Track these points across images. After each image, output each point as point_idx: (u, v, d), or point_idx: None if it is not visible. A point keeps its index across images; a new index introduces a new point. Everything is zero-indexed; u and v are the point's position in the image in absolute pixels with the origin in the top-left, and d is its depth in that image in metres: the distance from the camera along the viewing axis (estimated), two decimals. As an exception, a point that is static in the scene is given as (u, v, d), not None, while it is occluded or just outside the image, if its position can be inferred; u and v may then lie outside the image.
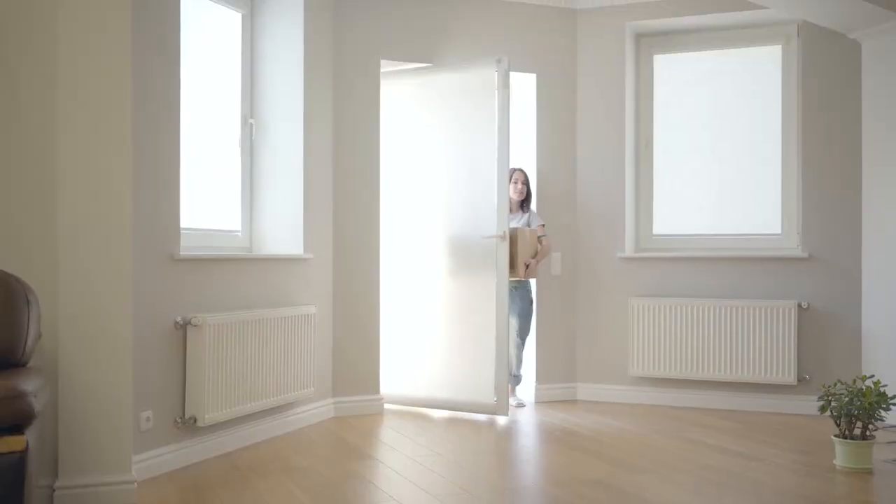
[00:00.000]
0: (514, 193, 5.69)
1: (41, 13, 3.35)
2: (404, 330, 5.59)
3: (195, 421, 4.11)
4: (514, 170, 5.70)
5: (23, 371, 2.66)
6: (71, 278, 3.36)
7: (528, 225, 5.69)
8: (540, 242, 5.68)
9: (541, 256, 5.70)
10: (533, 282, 5.86)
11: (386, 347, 5.57)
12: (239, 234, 4.99)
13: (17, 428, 2.35)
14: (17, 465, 2.29)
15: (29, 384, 2.42)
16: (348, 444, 4.62)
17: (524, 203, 5.79)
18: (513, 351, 5.65)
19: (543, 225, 5.77)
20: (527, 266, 5.53)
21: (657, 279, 5.83)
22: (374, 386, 5.45)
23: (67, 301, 3.35)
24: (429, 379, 5.47)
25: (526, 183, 5.76)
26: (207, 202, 4.72)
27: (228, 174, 4.94)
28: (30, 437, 2.36)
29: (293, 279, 4.95)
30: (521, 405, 5.67)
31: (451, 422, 5.21)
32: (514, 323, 5.68)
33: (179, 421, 4.08)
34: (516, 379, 5.76)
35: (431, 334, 5.48)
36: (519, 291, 5.69)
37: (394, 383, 5.58)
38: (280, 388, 4.70)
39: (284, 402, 4.77)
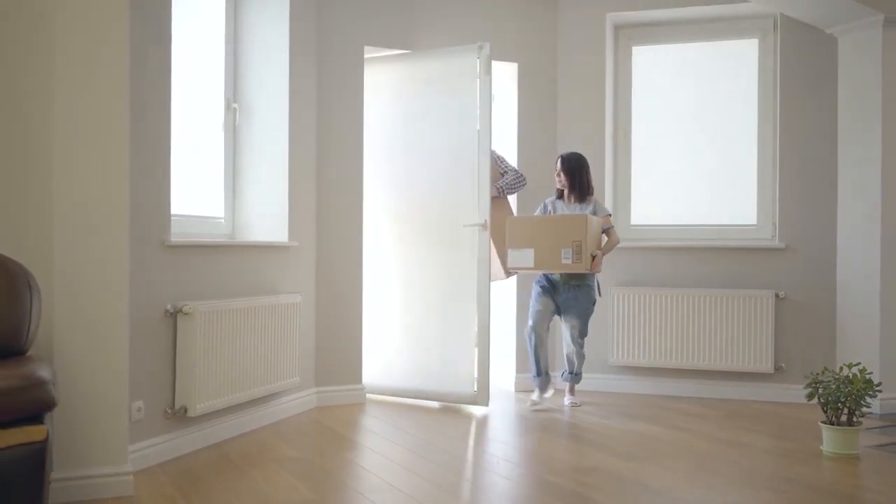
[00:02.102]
0: (559, 184, 5.41)
1: (39, 6, 3.24)
2: (386, 320, 5.56)
3: (186, 411, 4.03)
4: (557, 158, 5.44)
5: (30, 359, 2.58)
6: (67, 266, 3.26)
7: (594, 214, 5.28)
8: (607, 234, 5.30)
9: (608, 249, 5.28)
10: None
11: (368, 337, 5.53)
12: (222, 220, 4.91)
13: (36, 417, 2.27)
14: (38, 455, 2.22)
15: (45, 372, 2.35)
16: (336, 433, 4.58)
17: (582, 193, 5.34)
18: (574, 358, 5.36)
19: (610, 215, 5.40)
20: (593, 257, 5.05)
21: (636, 269, 5.88)
22: (356, 376, 5.42)
23: (63, 289, 3.25)
24: (410, 369, 5.45)
25: (569, 172, 5.31)
26: (190, 188, 4.63)
27: (211, 159, 4.85)
28: (49, 426, 2.28)
29: (279, 267, 4.88)
30: (574, 404, 5.33)
31: (434, 412, 5.20)
32: (568, 325, 5.29)
33: (170, 411, 4.00)
34: (576, 377, 5.42)
35: (413, 324, 5.46)
36: (581, 289, 5.27)
37: (376, 373, 5.55)
38: (267, 378, 4.64)
39: (271, 392, 4.71)
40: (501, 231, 5.35)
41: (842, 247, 5.46)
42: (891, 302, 5.20)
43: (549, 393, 5.33)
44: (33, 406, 2.24)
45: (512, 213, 5.73)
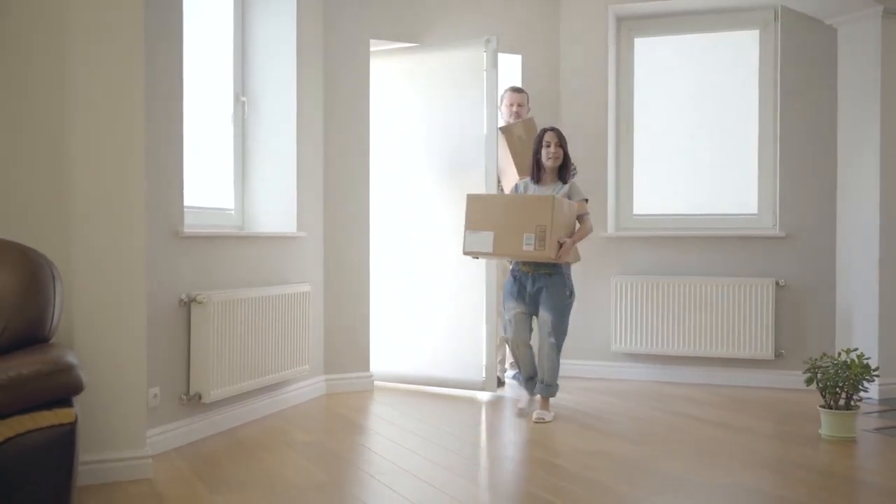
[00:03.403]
0: (547, 159, 4.72)
1: (54, 1, 3.33)
2: (394, 308, 5.65)
3: (200, 397, 4.14)
4: (546, 130, 4.77)
5: (55, 346, 2.67)
6: (85, 258, 3.36)
7: (569, 198, 4.68)
8: (580, 221, 4.71)
9: (579, 237, 4.66)
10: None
11: (376, 325, 5.63)
12: (232, 212, 5.00)
13: (64, 401, 2.37)
14: (68, 436, 2.33)
15: (72, 357, 2.45)
16: (346, 418, 4.69)
17: (562, 170, 4.77)
18: (544, 363, 4.66)
19: (587, 200, 4.81)
20: (560, 245, 4.45)
21: (638, 258, 5.97)
22: (364, 363, 5.52)
23: (82, 280, 3.35)
24: (418, 356, 5.55)
25: (562, 145, 4.72)
26: (200, 180, 4.72)
27: (221, 152, 4.94)
28: (77, 409, 2.39)
29: (288, 257, 4.98)
30: (542, 420, 4.58)
31: (442, 398, 5.30)
32: (539, 321, 4.68)
33: (185, 398, 4.10)
34: (548, 389, 4.70)
35: (420, 312, 5.55)
36: (552, 278, 4.64)
37: (383, 360, 5.65)
38: (278, 366, 4.74)
39: (282, 379, 4.81)
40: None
41: (841, 235, 5.55)
42: (889, 289, 5.30)
43: (538, 396, 4.77)
44: (62, 390, 2.35)
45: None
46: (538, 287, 4.66)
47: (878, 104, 5.30)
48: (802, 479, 3.52)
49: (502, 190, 5.43)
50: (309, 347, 5.07)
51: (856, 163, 5.45)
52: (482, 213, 4.61)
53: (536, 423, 4.56)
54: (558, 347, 4.67)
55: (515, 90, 5.65)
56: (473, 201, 4.72)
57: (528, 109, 5.63)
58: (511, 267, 4.88)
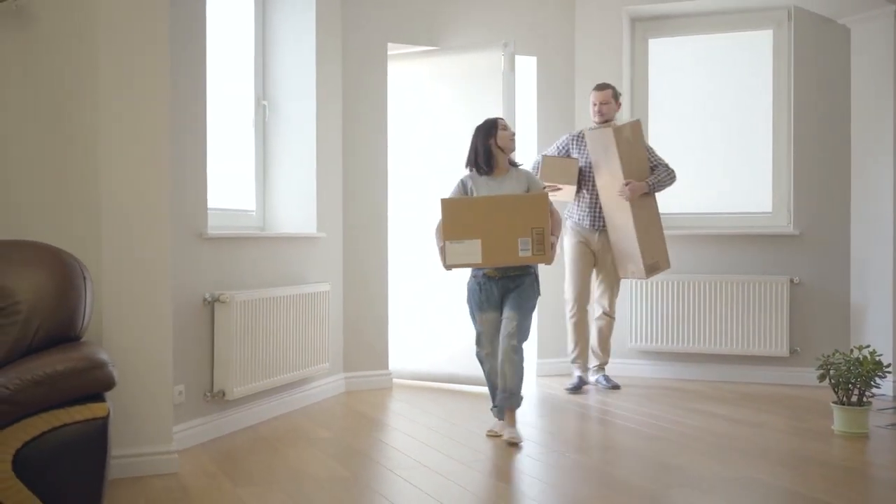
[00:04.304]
0: (503, 141, 4.28)
1: (83, 9, 3.43)
2: (411, 307, 5.74)
3: (224, 395, 4.25)
4: (499, 118, 4.37)
5: (87, 344, 2.78)
6: (113, 259, 3.47)
7: (528, 190, 4.24)
8: (550, 213, 4.12)
9: (558, 232, 4.18)
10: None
11: (394, 324, 5.72)
12: (253, 213, 5.11)
13: (97, 396, 2.48)
14: (101, 429, 2.44)
15: (104, 354, 2.55)
16: (366, 416, 4.78)
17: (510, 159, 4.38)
18: (506, 368, 4.12)
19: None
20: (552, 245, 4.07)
21: (654, 256, 6.03)
22: (383, 361, 5.62)
23: (110, 280, 3.46)
24: (435, 354, 5.64)
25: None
26: (223, 182, 4.83)
27: (242, 155, 5.06)
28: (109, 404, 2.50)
29: (308, 257, 5.09)
30: (513, 441, 4.06)
31: (459, 395, 5.38)
32: (503, 318, 4.18)
33: (209, 395, 4.21)
34: (511, 399, 4.15)
35: (437, 311, 5.64)
36: (524, 279, 4.19)
37: (401, 358, 5.75)
38: (299, 364, 4.85)
39: (303, 377, 4.92)
40: (647, 234, 5.27)
41: (855, 233, 5.59)
42: (903, 286, 5.34)
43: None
44: (95, 385, 2.46)
45: (657, 212, 5.45)
46: (507, 289, 4.21)
47: (891, 102, 5.33)
48: (813, 472, 3.58)
49: (592, 186, 5.45)
50: (328, 346, 5.17)
51: (870, 161, 5.49)
52: (463, 219, 4.06)
53: (511, 444, 4.05)
54: (522, 350, 4.17)
55: (599, 87, 5.52)
56: (450, 207, 4.11)
57: (618, 106, 5.55)
58: (473, 273, 4.31)
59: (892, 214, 5.32)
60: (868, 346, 4.34)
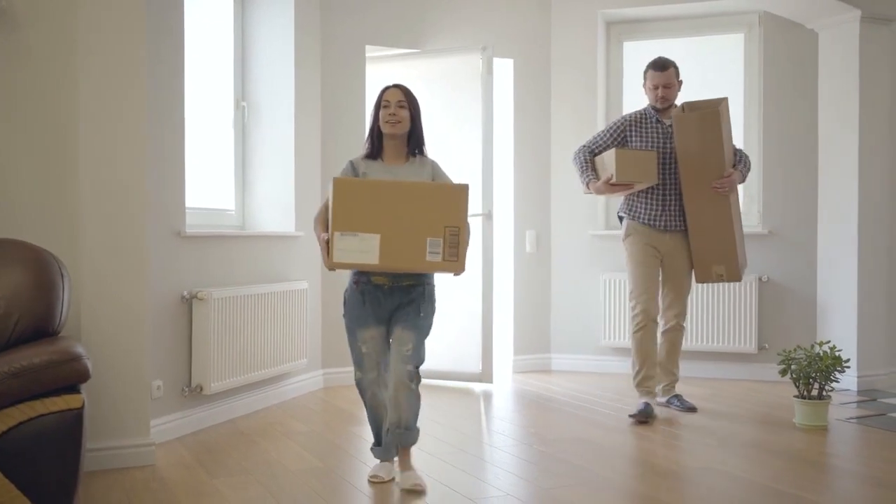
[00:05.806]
0: (384, 122, 3.43)
1: (61, 9, 3.53)
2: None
3: (201, 389, 4.34)
4: (387, 88, 3.49)
5: (64, 338, 2.88)
6: (92, 256, 3.57)
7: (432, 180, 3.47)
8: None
9: (466, 235, 3.25)
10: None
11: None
12: (233, 213, 5.21)
13: (72, 388, 2.58)
14: (76, 419, 2.53)
15: (79, 348, 2.65)
16: (343, 410, 4.89)
17: (411, 142, 3.50)
18: (401, 400, 3.36)
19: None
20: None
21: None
22: (361, 358, 5.71)
23: (89, 277, 3.56)
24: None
25: (406, 106, 3.46)
26: (202, 182, 4.92)
27: (222, 155, 5.15)
28: (84, 395, 2.60)
29: (286, 256, 5.19)
30: (417, 487, 3.31)
31: (438, 390, 5.49)
32: (396, 342, 3.39)
33: (186, 389, 4.31)
34: (407, 435, 3.43)
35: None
36: (418, 290, 3.42)
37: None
38: (277, 359, 4.95)
39: (280, 373, 5.02)
40: (740, 231, 4.66)
41: (822, 232, 5.73)
42: (867, 285, 5.48)
43: (396, 460, 3.53)
44: (71, 377, 2.55)
45: (738, 208, 4.75)
46: (399, 303, 3.42)
47: (856, 105, 5.48)
48: (772, 462, 3.71)
49: (669, 180, 4.66)
50: (307, 342, 5.27)
51: (835, 162, 5.63)
52: (360, 206, 3.14)
53: (412, 491, 3.31)
54: (419, 377, 3.42)
55: (658, 67, 4.66)
56: (344, 188, 3.16)
57: (680, 84, 4.78)
58: (354, 278, 3.48)
59: (857, 215, 5.47)
60: (829, 342, 4.47)
